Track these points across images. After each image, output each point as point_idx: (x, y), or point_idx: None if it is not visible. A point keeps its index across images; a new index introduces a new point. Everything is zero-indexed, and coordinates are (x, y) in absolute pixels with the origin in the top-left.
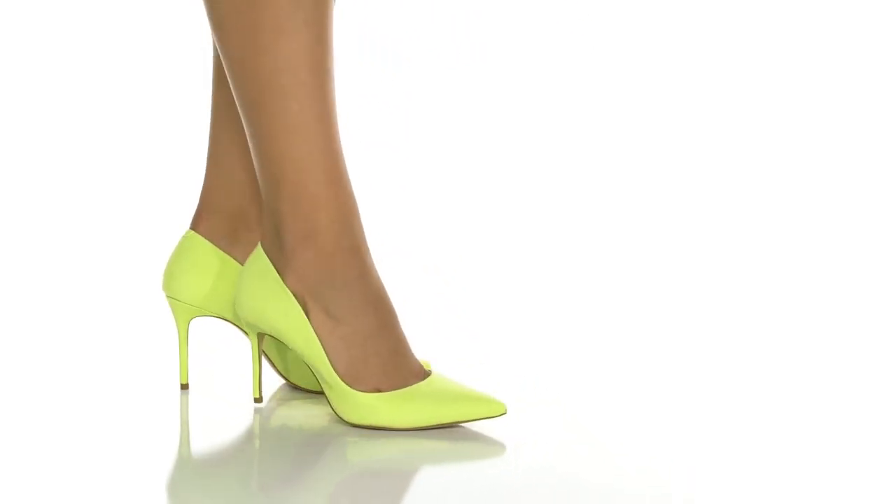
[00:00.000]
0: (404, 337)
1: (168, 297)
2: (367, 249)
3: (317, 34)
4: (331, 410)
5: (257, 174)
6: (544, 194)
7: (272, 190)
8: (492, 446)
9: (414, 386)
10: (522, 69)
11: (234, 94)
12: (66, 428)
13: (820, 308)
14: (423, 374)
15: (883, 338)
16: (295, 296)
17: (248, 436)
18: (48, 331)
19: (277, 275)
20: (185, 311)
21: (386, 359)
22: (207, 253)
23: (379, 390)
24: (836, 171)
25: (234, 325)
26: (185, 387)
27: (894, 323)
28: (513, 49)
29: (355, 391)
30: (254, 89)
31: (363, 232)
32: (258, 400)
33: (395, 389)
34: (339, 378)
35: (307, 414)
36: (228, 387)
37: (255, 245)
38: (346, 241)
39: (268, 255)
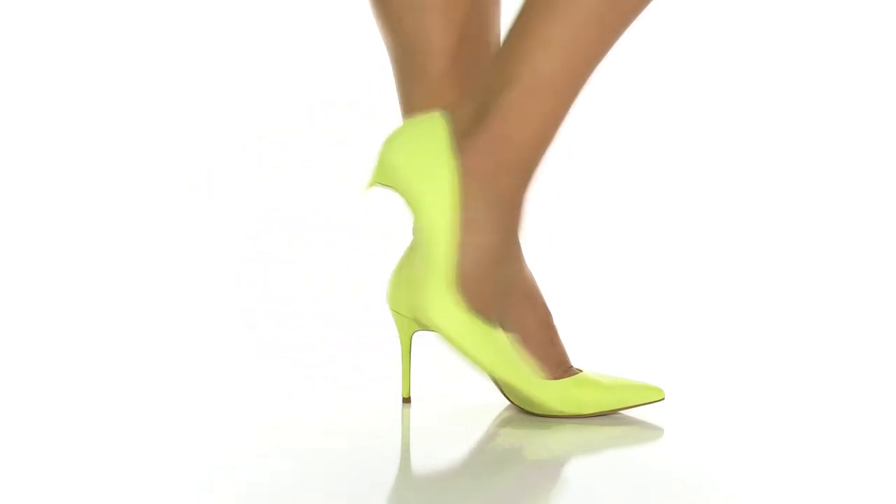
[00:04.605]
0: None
1: (392, 310)
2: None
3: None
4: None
5: (499, 58)
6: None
7: (502, 83)
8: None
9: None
10: None
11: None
12: (299, 437)
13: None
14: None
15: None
16: (459, 172)
17: (470, 450)
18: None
19: (452, 149)
20: (408, 326)
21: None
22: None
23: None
24: (838, 171)
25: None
26: (407, 400)
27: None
28: None
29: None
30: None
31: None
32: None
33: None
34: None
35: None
36: (449, 401)
37: None
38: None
39: (451, 126)
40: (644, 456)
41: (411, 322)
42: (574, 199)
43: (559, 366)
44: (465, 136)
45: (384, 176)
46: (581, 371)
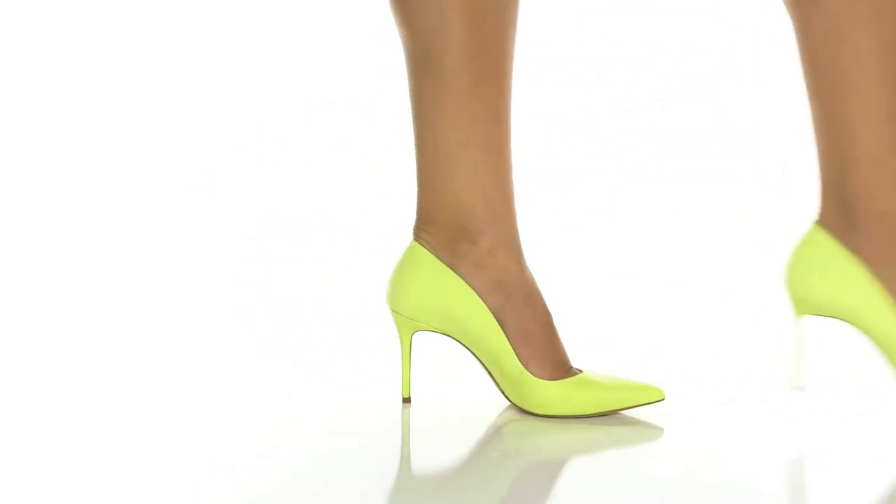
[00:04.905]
0: None
1: (391, 310)
2: None
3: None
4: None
5: (823, 154)
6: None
7: (842, 171)
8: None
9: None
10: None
11: (812, 77)
12: (285, 438)
13: None
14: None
15: None
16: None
17: (470, 450)
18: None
19: (847, 251)
20: (407, 326)
21: None
22: (429, 266)
23: None
24: None
25: (455, 339)
26: (407, 400)
27: None
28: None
29: None
30: (837, 75)
31: None
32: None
33: None
34: None
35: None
36: (449, 401)
37: (477, 260)
38: None
39: (832, 234)
40: (644, 456)
41: (412, 322)
42: (573, 200)
43: (559, 366)
44: (848, 232)
45: (809, 309)
46: (581, 371)
